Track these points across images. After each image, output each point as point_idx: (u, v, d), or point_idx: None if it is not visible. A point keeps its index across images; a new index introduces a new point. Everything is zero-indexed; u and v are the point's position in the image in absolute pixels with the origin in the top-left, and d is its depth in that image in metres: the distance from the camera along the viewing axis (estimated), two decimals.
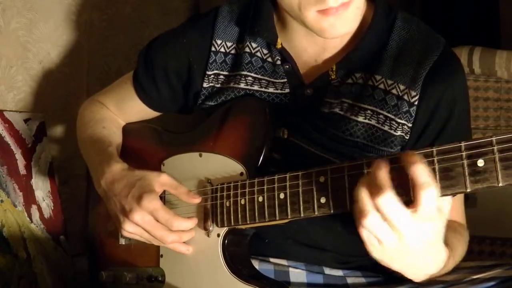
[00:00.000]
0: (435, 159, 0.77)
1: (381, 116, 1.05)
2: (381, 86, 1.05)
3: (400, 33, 1.07)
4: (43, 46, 1.53)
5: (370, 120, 1.05)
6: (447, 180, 0.76)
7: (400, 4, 2.31)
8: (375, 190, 0.76)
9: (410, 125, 1.04)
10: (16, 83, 1.49)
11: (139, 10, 1.78)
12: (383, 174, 0.77)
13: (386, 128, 1.05)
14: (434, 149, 0.77)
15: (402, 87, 1.04)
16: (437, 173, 0.77)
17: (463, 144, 0.75)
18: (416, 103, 1.04)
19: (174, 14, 1.88)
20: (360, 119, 1.05)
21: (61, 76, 1.59)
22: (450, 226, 1.06)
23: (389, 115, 1.04)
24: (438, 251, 0.85)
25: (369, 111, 1.05)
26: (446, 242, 0.91)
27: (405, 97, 1.04)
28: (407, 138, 1.05)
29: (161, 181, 1.05)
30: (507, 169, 0.72)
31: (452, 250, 0.95)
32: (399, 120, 1.04)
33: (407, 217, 0.76)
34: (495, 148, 0.72)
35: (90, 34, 1.65)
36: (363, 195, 0.78)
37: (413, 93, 1.04)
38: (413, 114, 1.04)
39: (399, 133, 1.05)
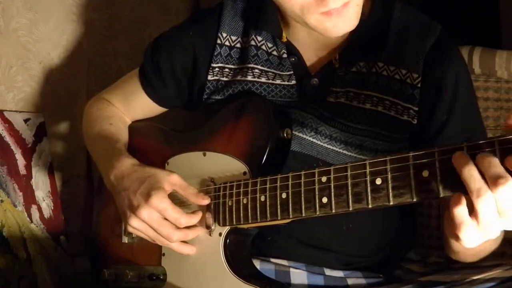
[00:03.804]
0: (437, 159, 0.77)
1: (387, 102, 1.07)
2: (384, 72, 1.08)
3: (398, 21, 1.10)
4: (43, 46, 1.53)
5: (377, 107, 1.07)
6: (450, 181, 0.76)
7: None
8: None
9: (416, 108, 1.06)
10: (16, 83, 1.48)
11: (139, 10, 1.77)
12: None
13: (392, 113, 1.07)
14: (436, 150, 0.77)
15: (404, 71, 1.07)
16: (438, 174, 0.76)
17: (465, 145, 0.75)
18: (419, 85, 1.06)
19: (174, 14, 1.88)
20: (367, 106, 1.07)
21: (61, 76, 1.58)
22: None
23: (394, 100, 1.07)
24: None
25: (375, 98, 1.07)
26: None
27: (408, 80, 1.07)
28: (414, 123, 1.07)
29: (171, 180, 1.05)
30: None
31: None
32: (404, 104, 1.07)
33: None
34: (497, 149, 0.72)
35: (90, 34, 1.65)
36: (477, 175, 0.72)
37: (415, 75, 1.07)
38: (417, 97, 1.06)
39: (405, 117, 1.07)
